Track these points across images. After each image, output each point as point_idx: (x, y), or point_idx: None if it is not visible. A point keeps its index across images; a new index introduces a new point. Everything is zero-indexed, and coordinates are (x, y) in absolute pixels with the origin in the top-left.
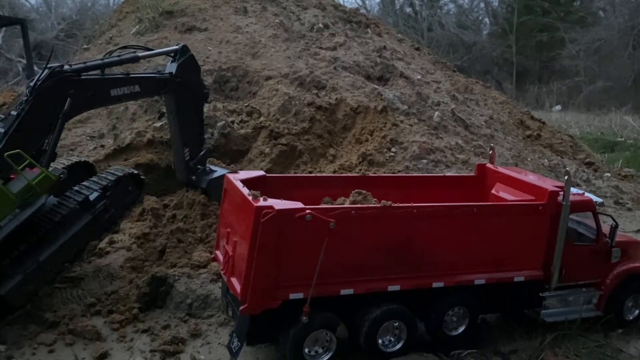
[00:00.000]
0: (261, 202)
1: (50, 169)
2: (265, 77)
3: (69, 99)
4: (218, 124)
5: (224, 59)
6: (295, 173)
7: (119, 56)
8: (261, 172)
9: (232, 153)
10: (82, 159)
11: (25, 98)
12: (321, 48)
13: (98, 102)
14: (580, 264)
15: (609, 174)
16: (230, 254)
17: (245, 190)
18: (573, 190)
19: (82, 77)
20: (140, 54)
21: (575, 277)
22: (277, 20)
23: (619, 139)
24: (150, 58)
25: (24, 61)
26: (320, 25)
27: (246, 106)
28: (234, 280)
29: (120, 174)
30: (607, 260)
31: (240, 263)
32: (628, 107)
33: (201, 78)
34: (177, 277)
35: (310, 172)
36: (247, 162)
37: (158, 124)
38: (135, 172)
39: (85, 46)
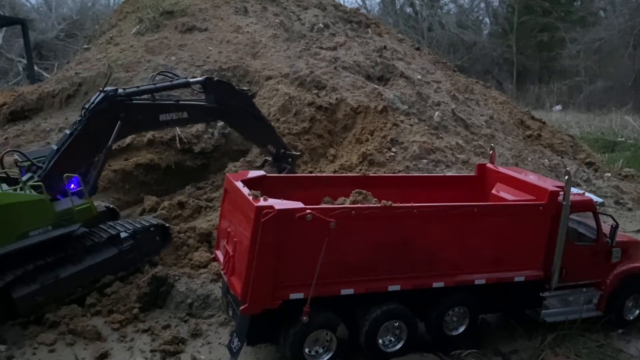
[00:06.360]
0: (261, 202)
1: None
2: (266, 77)
3: (119, 122)
4: (218, 124)
5: (224, 58)
6: (295, 173)
7: (170, 81)
8: (261, 172)
9: (232, 153)
10: (110, 205)
11: (79, 118)
12: (321, 48)
13: (146, 125)
14: (580, 264)
15: (609, 174)
16: (231, 253)
17: (245, 190)
18: (573, 190)
19: (134, 101)
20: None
21: (576, 277)
22: (277, 20)
23: (620, 139)
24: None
25: (25, 61)
26: (321, 25)
27: None
28: (234, 280)
29: (153, 223)
30: (607, 260)
31: (241, 263)
32: (628, 107)
33: (235, 89)
34: (177, 277)
35: (310, 172)
36: (247, 162)
37: None
38: (166, 225)
39: (86, 46)
